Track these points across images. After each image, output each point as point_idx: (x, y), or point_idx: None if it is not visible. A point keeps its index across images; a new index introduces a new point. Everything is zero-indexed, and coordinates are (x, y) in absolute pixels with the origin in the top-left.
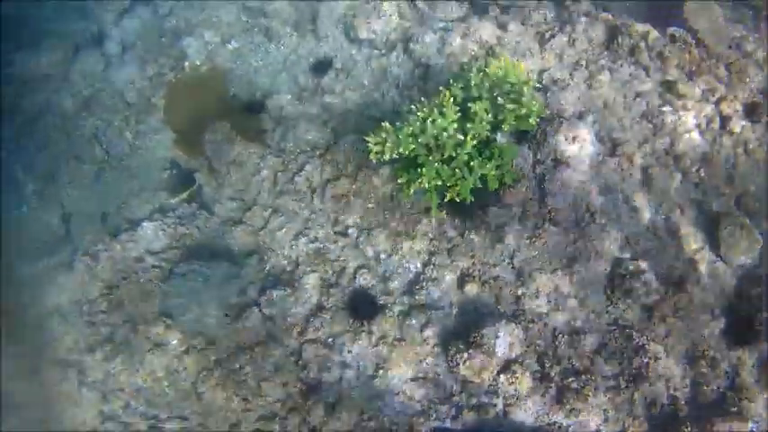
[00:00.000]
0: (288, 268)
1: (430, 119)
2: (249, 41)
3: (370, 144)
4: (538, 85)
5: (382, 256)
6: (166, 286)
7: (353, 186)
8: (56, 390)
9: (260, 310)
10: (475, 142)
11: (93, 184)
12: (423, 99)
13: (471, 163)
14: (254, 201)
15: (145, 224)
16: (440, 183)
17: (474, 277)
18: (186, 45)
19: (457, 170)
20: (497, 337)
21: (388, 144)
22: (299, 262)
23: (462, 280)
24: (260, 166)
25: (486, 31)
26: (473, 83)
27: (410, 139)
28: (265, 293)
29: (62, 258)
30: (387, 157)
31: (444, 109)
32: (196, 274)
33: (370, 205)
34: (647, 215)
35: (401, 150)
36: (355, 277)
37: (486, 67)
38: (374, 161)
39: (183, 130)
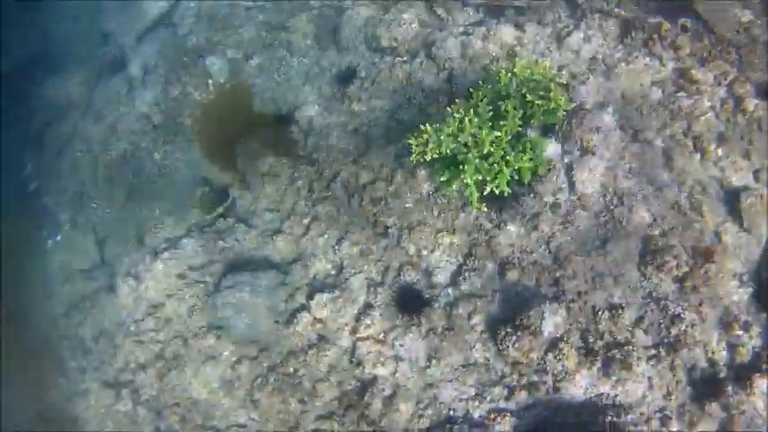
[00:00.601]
0: (333, 272)
1: (467, 118)
2: (271, 56)
3: (412, 145)
4: (561, 81)
5: (424, 252)
6: (214, 299)
7: (390, 188)
8: (110, 411)
9: (310, 314)
10: (509, 138)
11: (125, 208)
12: (457, 101)
13: (507, 157)
14: (292, 210)
15: (184, 241)
16: (480, 177)
17: (514, 264)
18: (209, 64)
19: (495, 165)
20: (543, 317)
21: (430, 145)
22: (344, 265)
23: (503, 268)
24: (294, 176)
25: (505, 32)
26: (502, 82)
27: (450, 138)
28: (314, 297)
29: (102, 282)
30: (428, 157)
31: (479, 108)
32: (243, 285)
33: (408, 205)
34: (670, 194)
35: (442, 150)
36: (400, 274)
37: (513, 67)
38: (413, 162)
39: (212, 147)
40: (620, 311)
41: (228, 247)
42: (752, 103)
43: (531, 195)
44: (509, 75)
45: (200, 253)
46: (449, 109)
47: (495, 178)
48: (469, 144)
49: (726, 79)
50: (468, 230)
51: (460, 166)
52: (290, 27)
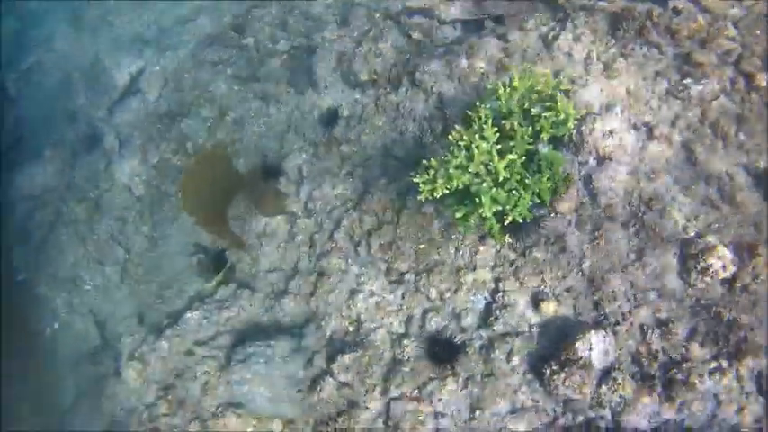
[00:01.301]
0: (350, 329)
1: (474, 145)
2: (247, 109)
3: (419, 184)
4: (565, 87)
5: (447, 294)
6: (228, 375)
7: (398, 231)
8: None
9: (333, 378)
10: (522, 159)
11: (120, 286)
12: (457, 127)
13: (526, 180)
14: (296, 268)
15: (187, 315)
16: (499, 208)
17: (547, 294)
18: (185, 126)
19: (513, 191)
20: (590, 348)
21: (439, 181)
22: (361, 320)
23: (536, 300)
24: (293, 231)
25: (489, 45)
26: (502, 99)
27: (459, 171)
28: (335, 360)
29: (107, 366)
30: (438, 193)
31: (485, 132)
32: (256, 356)
33: (421, 246)
34: (699, 190)
35: (453, 184)
36: (424, 323)
37: (512, 81)
38: (422, 199)
39: (202, 211)
40: (670, 327)
41: (234, 316)
42: (763, 79)
43: (553, 215)
44: (508, 90)
45: (206, 326)
46: (451, 137)
47: (516, 206)
48: (482, 173)
49: (730, 57)
50: (490, 264)
51: (476, 199)
52: (261, 76)
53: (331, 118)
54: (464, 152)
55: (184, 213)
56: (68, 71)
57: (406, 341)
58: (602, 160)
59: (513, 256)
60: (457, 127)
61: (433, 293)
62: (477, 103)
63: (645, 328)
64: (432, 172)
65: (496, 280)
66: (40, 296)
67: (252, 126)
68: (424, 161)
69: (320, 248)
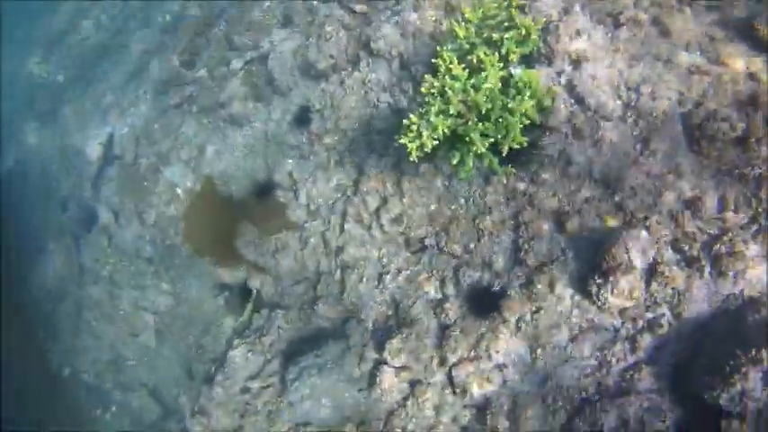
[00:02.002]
0: (389, 312)
1: (447, 88)
2: (222, 137)
3: (406, 144)
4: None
5: (471, 245)
6: (288, 398)
7: (404, 201)
8: None
9: (389, 366)
10: (499, 86)
11: (160, 351)
12: (426, 76)
13: (509, 105)
14: (318, 271)
15: (230, 354)
16: (491, 141)
17: (568, 213)
18: (170, 175)
19: (500, 119)
20: (626, 251)
21: (424, 133)
22: (397, 300)
23: (559, 222)
24: (303, 237)
25: None
26: (461, 36)
27: (441, 116)
28: (384, 348)
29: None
30: (428, 147)
31: (454, 71)
32: (308, 369)
33: (432, 207)
34: (683, 59)
35: (438, 132)
36: (459, 281)
37: (464, 16)
38: (414, 162)
39: (211, 251)
40: (698, 204)
41: (276, 339)
42: None
43: (548, 134)
44: (464, 25)
45: (252, 358)
46: (423, 89)
47: (507, 132)
48: (463, 112)
49: None
50: (503, 202)
51: (466, 140)
52: (225, 101)
53: (304, 116)
54: (439, 98)
55: (197, 259)
56: (46, 161)
57: (446, 304)
58: (578, 63)
59: (522, 186)
60: (426, 77)
61: (458, 249)
62: (438, 48)
63: (674, 213)
64: (414, 128)
65: (515, 215)
66: (89, 384)
67: (232, 152)
68: (405, 120)
69: (335, 244)
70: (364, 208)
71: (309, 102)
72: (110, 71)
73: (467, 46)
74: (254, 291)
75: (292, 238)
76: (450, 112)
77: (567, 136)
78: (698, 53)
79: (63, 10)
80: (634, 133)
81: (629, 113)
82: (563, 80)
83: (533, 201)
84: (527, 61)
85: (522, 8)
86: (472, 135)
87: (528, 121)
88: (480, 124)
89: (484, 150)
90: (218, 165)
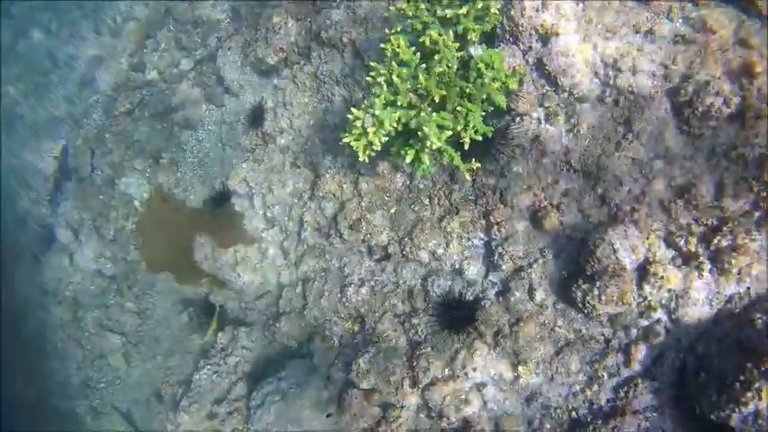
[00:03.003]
0: (355, 328)
1: (394, 75)
2: (177, 144)
3: (352, 143)
4: None
5: (439, 251)
6: (254, 424)
7: (362, 204)
8: None
9: (358, 389)
10: (456, 69)
11: (129, 372)
12: (371, 63)
13: (468, 90)
14: (280, 284)
15: (196, 377)
16: (449, 133)
17: (545, 208)
18: (124, 187)
19: (458, 108)
20: (614, 250)
21: (370, 129)
22: (362, 314)
23: (535, 218)
24: (262, 247)
25: None
26: (410, 14)
27: (388, 110)
28: (351, 368)
29: None
30: (378, 145)
31: (402, 56)
32: (272, 395)
33: (392, 210)
34: (665, 30)
35: (386, 127)
36: (428, 291)
37: None
38: (366, 161)
39: (171, 265)
40: (692, 191)
41: (240, 360)
42: None
43: (518, 119)
44: (412, 3)
45: (217, 381)
46: (369, 78)
47: (467, 122)
48: (415, 102)
49: None
50: (472, 199)
51: (419, 134)
52: (177, 105)
53: (258, 115)
54: (387, 88)
55: (158, 274)
56: (3, 177)
57: (415, 320)
58: (547, 38)
59: (492, 180)
60: (372, 64)
61: (425, 256)
62: (387, 30)
63: (665, 202)
64: (359, 124)
65: (486, 214)
66: (57, 409)
67: (187, 159)
68: (349, 115)
69: (294, 255)
70: (321, 214)
71: (262, 100)
72: (62, 80)
73: (419, 26)
74: (218, 307)
75: (251, 249)
76: (399, 103)
77: (540, 121)
78: (680, 20)
79: (8, 22)
80: (615, 115)
81: (607, 93)
82: (531, 59)
83: (505, 197)
84: (489, 40)
85: None
86: (425, 129)
87: (492, 108)
88: (435, 115)
89: (441, 145)
90: (174, 173)
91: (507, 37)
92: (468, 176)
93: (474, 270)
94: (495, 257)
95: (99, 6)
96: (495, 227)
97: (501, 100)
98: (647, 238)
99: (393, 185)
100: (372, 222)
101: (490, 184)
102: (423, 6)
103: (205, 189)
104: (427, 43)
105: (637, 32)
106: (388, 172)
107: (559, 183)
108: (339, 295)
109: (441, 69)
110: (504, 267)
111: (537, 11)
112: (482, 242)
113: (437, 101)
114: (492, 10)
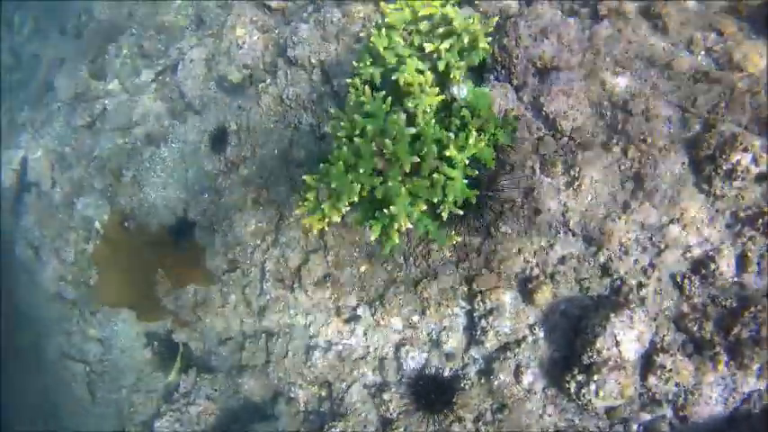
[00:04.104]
0: (322, 393)
1: (355, 137)
2: (139, 160)
3: (304, 220)
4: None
5: (414, 318)
6: None
7: (329, 257)
8: None
9: None
10: (433, 119)
11: (93, 404)
12: (331, 109)
13: (447, 152)
14: (243, 334)
15: (157, 424)
16: (423, 207)
17: (537, 278)
18: (82, 207)
19: (435, 175)
20: (616, 342)
21: (324, 205)
22: (330, 380)
23: (525, 289)
24: (224, 291)
25: None
26: (379, 47)
27: (349, 176)
28: None
29: None
30: (335, 216)
31: (367, 106)
32: None
33: (362, 267)
34: (684, 65)
35: (346, 200)
36: (401, 362)
37: (385, 19)
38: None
39: (131, 298)
40: (710, 265)
41: (204, 410)
42: None
43: (508, 170)
44: (384, 32)
45: (180, 430)
46: (329, 128)
47: (446, 193)
48: (381, 167)
49: None
50: (453, 262)
51: (386, 210)
52: (138, 119)
53: (221, 137)
54: (346, 147)
55: (121, 305)
56: None
57: (386, 395)
58: (545, 72)
59: (476, 240)
60: (332, 110)
61: (398, 322)
62: (355, 63)
63: (679, 278)
64: (311, 197)
65: (468, 280)
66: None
67: (150, 177)
68: (303, 179)
69: (256, 304)
70: (284, 263)
71: (226, 122)
72: (23, 83)
73: (393, 60)
74: (181, 346)
75: (213, 290)
76: (361, 170)
77: (535, 172)
78: (702, 53)
79: None
80: (623, 167)
81: (615, 139)
82: (526, 97)
83: (491, 261)
84: (477, 74)
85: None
86: (393, 207)
87: (476, 172)
88: (407, 184)
89: (417, 219)
90: (137, 194)
91: (499, 69)
92: (447, 251)
93: (453, 342)
94: (478, 332)
95: (67, 4)
96: (479, 296)
97: (489, 157)
98: (655, 319)
99: (363, 239)
100: (340, 281)
101: (474, 245)
102: (397, 38)
103: (169, 214)
104: (401, 83)
105: (651, 66)
106: (358, 223)
107: (555, 248)
108: (304, 357)
109: (414, 131)
110: (487, 344)
111: (535, 40)
112: (463, 311)
113: (407, 169)
114: (481, 44)
